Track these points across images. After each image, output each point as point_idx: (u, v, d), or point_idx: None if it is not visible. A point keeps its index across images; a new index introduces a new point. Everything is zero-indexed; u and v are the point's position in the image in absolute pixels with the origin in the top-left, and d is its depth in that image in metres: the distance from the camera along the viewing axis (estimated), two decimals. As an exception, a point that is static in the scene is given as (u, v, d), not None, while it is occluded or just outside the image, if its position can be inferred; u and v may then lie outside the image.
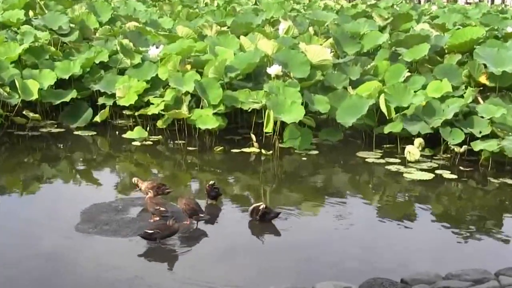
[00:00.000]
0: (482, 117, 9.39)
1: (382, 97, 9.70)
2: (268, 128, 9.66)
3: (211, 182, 7.32)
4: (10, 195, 7.83)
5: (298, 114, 9.53)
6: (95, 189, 8.13)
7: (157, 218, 6.59)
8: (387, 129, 9.68)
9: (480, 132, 9.20)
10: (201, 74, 10.53)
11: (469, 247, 6.49)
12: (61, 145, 10.17)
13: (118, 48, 11.42)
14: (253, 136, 9.79)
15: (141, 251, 5.95)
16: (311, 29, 13.81)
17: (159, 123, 10.38)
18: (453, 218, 7.40)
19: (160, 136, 10.31)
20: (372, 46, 12.29)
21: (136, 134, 10.08)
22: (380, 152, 9.72)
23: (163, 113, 10.22)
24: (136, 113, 10.66)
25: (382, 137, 9.96)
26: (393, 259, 6.06)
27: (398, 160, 9.30)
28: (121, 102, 10.64)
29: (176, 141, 10.14)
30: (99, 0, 14.77)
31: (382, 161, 9.33)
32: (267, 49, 10.77)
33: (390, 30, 13.35)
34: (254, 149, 9.66)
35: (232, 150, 9.71)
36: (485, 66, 10.25)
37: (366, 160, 9.41)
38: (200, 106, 10.24)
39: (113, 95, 10.82)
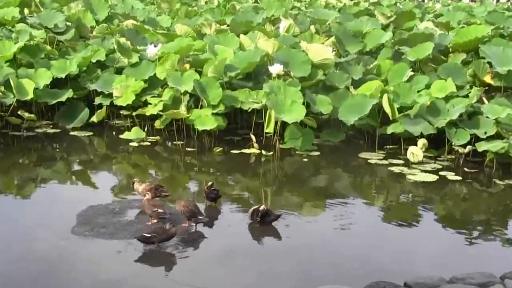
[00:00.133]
0: (487, 117, 9.39)
1: (385, 97, 9.71)
2: (269, 129, 9.66)
3: (209, 183, 7.32)
4: (4, 197, 7.81)
5: (299, 114, 9.53)
6: (91, 191, 8.13)
7: (155, 221, 6.59)
8: (390, 130, 9.68)
9: (485, 133, 9.20)
10: (200, 73, 10.53)
11: (474, 250, 6.49)
12: (57, 146, 10.17)
13: (115, 47, 11.42)
14: (253, 137, 9.80)
15: (138, 255, 5.95)
16: (312, 27, 13.82)
17: (157, 124, 10.38)
18: (457, 221, 7.40)
19: (158, 137, 10.31)
20: (374, 45, 12.29)
21: (134, 134, 10.08)
22: (383, 153, 9.72)
23: (161, 113, 10.22)
24: (134, 113, 10.66)
25: (385, 137, 9.96)
26: (396, 262, 6.06)
27: (401, 161, 9.30)
28: (118, 102, 10.64)
29: (174, 142, 10.14)
30: (96, -3, 14.77)
31: (385, 162, 9.33)
32: (268, 48, 10.78)
33: (393, 29, 13.37)
34: (254, 150, 9.66)
35: (231, 151, 9.71)
36: (490, 65, 10.26)
37: (369, 161, 9.41)
38: (199, 106, 10.24)
39: (110, 95, 10.82)
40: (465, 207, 7.99)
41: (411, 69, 10.74)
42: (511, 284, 5.22)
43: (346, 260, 6.04)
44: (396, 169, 8.98)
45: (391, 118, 9.70)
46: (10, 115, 10.62)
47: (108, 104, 10.84)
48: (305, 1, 21.37)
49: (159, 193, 7.08)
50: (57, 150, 10.04)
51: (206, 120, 9.95)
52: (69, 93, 10.87)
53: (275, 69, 10.17)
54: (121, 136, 10.18)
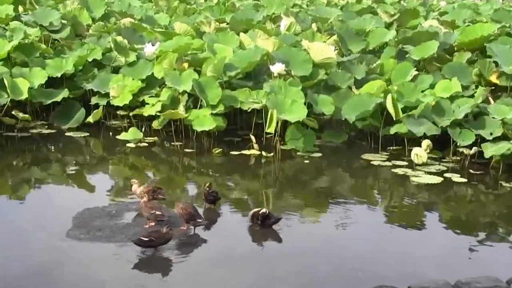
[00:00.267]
0: (494, 118, 9.40)
1: (389, 96, 9.71)
2: (270, 129, 9.66)
3: (208, 185, 7.32)
4: (-2, 199, 7.84)
5: (300, 114, 9.54)
6: (87, 193, 8.13)
7: (153, 223, 6.59)
8: (393, 130, 9.68)
9: (491, 134, 9.20)
10: (199, 72, 10.53)
11: (479, 253, 6.49)
12: (52, 147, 10.17)
13: (112, 46, 11.42)
14: (253, 138, 9.80)
15: (135, 258, 5.94)
16: (314, 25, 13.82)
17: (155, 124, 10.38)
18: (462, 224, 7.40)
19: (155, 138, 10.32)
20: (378, 44, 12.31)
21: (131, 135, 10.08)
22: (386, 155, 9.73)
23: (159, 113, 10.23)
24: (131, 114, 10.66)
25: (388, 138, 9.97)
26: (400, 266, 6.06)
27: (405, 163, 9.30)
28: (115, 102, 10.65)
29: (172, 143, 10.14)
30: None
31: (388, 163, 9.33)
32: (267, 47, 10.78)
33: (396, 27, 13.37)
34: (254, 151, 9.67)
35: (231, 152, 9.72)
36: (496, 64, 10.26)
37: (372, 162, 9.41)
38: (198, 106, 10.25)
39: (106, 95, 10.82)
40: (470, 210, 7.99)
41: (415, 68, 10.75)
42: (518, 288, 5.22)
43: (349, 264, 6.04)
44: (399, 171, 8.99)
45: (394, 119, 9.70)
46: (4, 115, 10.62)
47: (105, 104, 10.85)
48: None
49: (156, 195, 7.07)
50: (53, 151, 10.04)
51: (205, 120, 9.95)
52: (64, 93, 10.88)
53: (277, 68, 10.17)
54: (118, 137, 10.18)
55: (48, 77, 11.01)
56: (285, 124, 9.79)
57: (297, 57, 10.64)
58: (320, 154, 9.77)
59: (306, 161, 9.50)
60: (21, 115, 10.57)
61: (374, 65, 11.22)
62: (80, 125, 10.79)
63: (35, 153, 9.92)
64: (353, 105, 9.96)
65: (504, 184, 8.63)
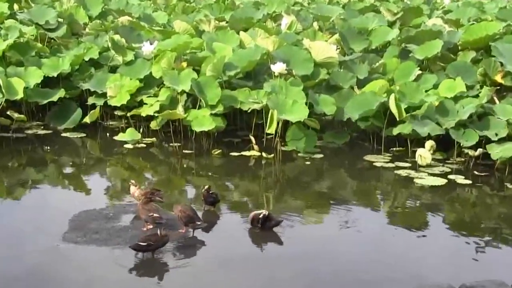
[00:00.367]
0: (499, 118, 9.40)
1: (392, 96, 9.71)
2: (271, 129, 9.66)
3: (207, 187, 7.32)
4: (-7, 201, 7.84)
5: (302, 114, 9.54)
6: (84, 195, 8.13)
7: (151, 226, 6.59)
8: (396, 131, 9.68)
9: (496, 135, 9.20)
10: (198, 72, 10.53)
11: (484, 257, 6.49)
12: (48, 148, 10.17)
13: (109, 44, 11.42)
14: (252, 139, 9.80)
15: (133, 262, 5.94)
16: (315, 24, 13.82)
17: (153, 125, 10.38)
18: (467, 226, 7.39)
19: (154, 138, 10.32)
20: (380, 43, 12.31)
21: (128, 136, 10.08)
22: (389, 156, 9.73)
23: (157, 114, 10.23)
24: (129, 114, 10.67)
25: (391, 139, 9.97)
26: (403, 270, 6.06)
27: (408, 164, 9.30)
28: (112, 102, 10.65)
29: (171, 144, 10.14)
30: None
31: (391, 165, 9.33)
32: (268, 46, 10.78)
33: (400, 26, 13.36)
34: (255, 153, 9.67)
35: (231, 154, 9.72)
36: (502, 63, 10.25)
37: (374, 164, 9.41)
38: (197, 107, 10.25)
39: (103, 95, 10.82)
40: (475, 213, 7.99)
41: (418, 67, 10.75)
42: (523, 292, 5.22)
43: (351, 268, 6.05)
44: (402, 173, 8.99)
45: (398, 119, 9.70)
46: (-1, 115, 10.65)
47: (102, 104, 10.85)
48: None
49: (154, 197, 7.07)
50: (48, 152, 10.04)
51: (204, 121, 9.95)
52: (61, 93, 10.87)
53: (278, 67, 10.17)
54: (115, 138, 10.18)
55: (44, 76, 11.01)
56: (286, 124, 9.79)
57: (298, 57, 10.65)
58: (321, 155, 9.77)
59: (307, 163, 9.50)
60: (16, 115, 10.57)
61: (377, 64, 11.22)
62: (76, 126, 10.79)
63: (31, 154, 9.92)
64: (356, 104, 9.98)
65: (509, 186, 8.62)
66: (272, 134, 9.78)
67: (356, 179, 9.22)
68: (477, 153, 9.19)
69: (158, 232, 6.08)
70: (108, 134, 10.73)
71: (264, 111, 9.89)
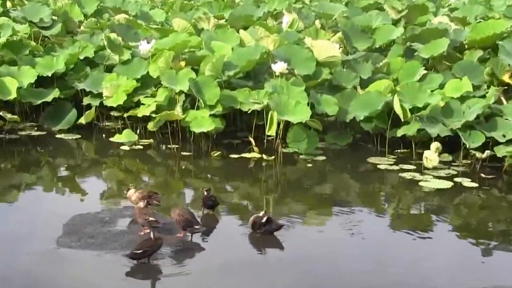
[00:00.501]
0: (507, 119, 9.40)
1: (396, 97, 9.72)
2: (271, 131, 9.67)
3: (206, 190, 7.32)
4: (-15, 205, 7.84)
5: (304, 115, 9.55)
6: (79, 199, 8.14)
7: (148, 230, 6.58)
8: (400, 132, 9.69)
9: (504, 136, 9.20)
10: (196, 71, 10.54)
11: (491, 262, 6.49)
12: (42, 149, 10.18)
13: (105, 43, 11.43)
14: (252, 140, 9.80)
15: (129, 268, 5.94)
16: (317, 22, 13.83)
17: (150, 126, 10.38)
18: (474, 231, 7.40)
19: (151, 140, 10.32)
20: (384, 41, 12.31)
21: (125, 137, 10.08)
22: (393, 158, 9.73)
23: (154, 114, 10.22)
24: (125, 115, 10.66)
25: (395, 141, 9.97)
26: (408, 275, 6.06)
27: (413, 167, 9.30)
28: (108, 103, 10.65)
29: (169, 146, 10.14)
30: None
31: (395, 167, 9.34)
32: (269, 44, 10.78)
33: (404, 24, 13.36)
34: (255, 154, 9.67)
35: (230, 156, 9.72)
36: (510, 64, 10.24)
37: (378, 166, 9.41)
38: (196, 107, 10.25)
39: (99, 95, 10.83)
40: (482, 216, 7.98)
41: (423, 67, 10.75)
42: (532, 299, 5.22)
43: (354, 273, 6.05)
44: (407, 175, 8.99)
45: (402, 120, 9.71)
46: (-8, 116, 10.65)
47: (98, 104, 10.86)
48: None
49: (151, 201, 7.08)
50: (42, 154, 10.04)
51: (203, 122, 9.95)
52: (55, 93, 10.88)
53: (279, 67, 10.17)
54: (112, 139, 10.19)
55: (38, 76, 11.01)
56: (287, 125, 9.79)
57: (300, 56, 10.65)
58: (323, 158, 9.78)
59: (309, 165, 9.50)
60: (9, 116, 10.57)
61: (381, 64, 11.22)
62: (71, 127, 10.80)
63: (24, 156, 9.92)
64: (360, 104, 9.99)
65: (517, 189, 8.65)
66: (273, 136, 9.78)
67: (359, 182, 9.22)
68: (484, 155, 9.18)
69: (152, 236, 6.06)
70: (104, 135, 10.73)
71: (265, 111, 9.89)
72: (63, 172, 9.28)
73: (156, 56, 10.80)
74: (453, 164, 9.47)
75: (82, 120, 10.72)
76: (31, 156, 9.98)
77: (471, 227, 7.60)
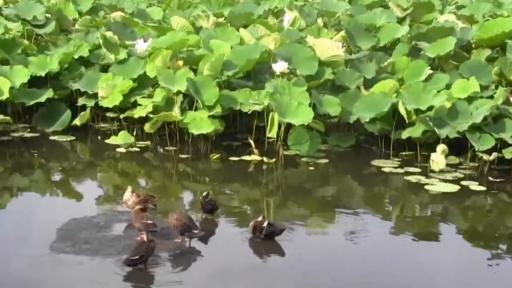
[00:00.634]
0: (515, 120, 9.42)
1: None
2: (272, 133, 9.67)
3: (205, 194, 7.33)
4: (-23, 209, 7.84)
5: (306, 117, 9.55)
6: (73, 202, 8.13)
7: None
8: (405, 134, 9.69)
9: (513, 138, 9.22)
10: (195, 71, 10.55)
11: (499, 269, 6.48)
12: (35, 152, 10.17)
13: (101, 42, 11.44)
14: (252, 142, 9.80)
15: (125, 275, 5.93)
16: (320, 20, 13.83)
17: (147, 127, 10.39)
18: (481, 236, 7.40)
19: (148, 142, 10.32)
20: (389, 40, 12.32)
21: (121, 139, 10.09)
22: (398, 160, 9.73)
23: (151, 115, 10.23)
24: (121, 116, 10.68)
25: (400, 143, 9.98)
26: (413, 282, 6.06)
27: (418, 170, 9.31)
28: (104, 103, 10.66)
29: (166, 148, 10.15)
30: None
31: (400, 170, 9.34)
32: (269, 43, 10.79)
33: (410, 22, 13.37)
34: (255, 157, 9.68)
35: (230, 158, 9.73)
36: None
37: (383, 169, 9.42)
38: (194, 108, 10.26)
39: (94, 95, 10.83)
40: (489, 221, 7.98)
41: (429, 67, 10.75)
42: (541, 306, 5.22)
43: (358, 279, 6.04)
44: (412, 178, 8.99)
45: (407, 121, 9.71)
46: (-17, 117, 10.66)
47: (93, 105, 10.87)
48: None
49: (147, 204, 7.08)
50: (36, 156, 10.04)
51: (201, 123, 9.96)
52: (49, 93, 10.89)
53: (279, 66, 10.18)
54: (107, 141, 10.20)
55: (31, 75, 11.02)
56: (288, 127, 9.79)
57: (302, 55, 10.66)
58: (326, 160, 9.78)
59: (311, 168, 9.51)
60: (1, 117, 10.59)
61: (385, 63, 11.22)
62: (65, 128, 10.81)
63: (17, 158, 9.92)
64: (365, 105, 9.99)
65: (526, 192, 8.66)
66: (274, 138, 9.78)
67: (363, 186, 9.22)
68: (491, 157, 9.19)
69: (145, 238, 6.05)
70: (99, 137, 10.74)
71: (265, 113, 9.90)
72: (57, 175, 9.28)
73: (153, 55, 10.81)
74: (460, 167, 9.48)
75: (77, 122, 10.72)
76: (24, 158, 9.98)
77: (478, 232, 7.60)
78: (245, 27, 12.28)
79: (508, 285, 5.93)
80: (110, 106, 10.60)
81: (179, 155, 9.88)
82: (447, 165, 9.37)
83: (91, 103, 10.86)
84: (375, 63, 11.11)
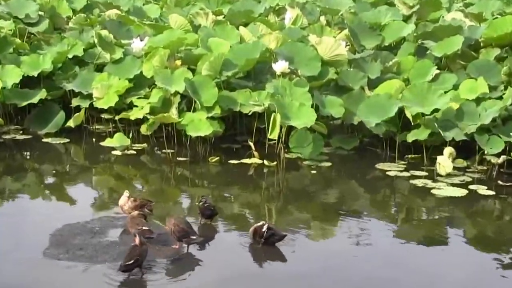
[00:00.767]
0: (525, 122, 9.42)
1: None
2: (273, 135, 9.67)
3: (203, 198, 7.33)
4: (-33, 214, 7.84)
5: (308, 119, 9.55)
6: (67, 207, 8.14)
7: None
8: (411, 137, 9.69)
9: (522, 140, 9.22)
10: (193, 71, 10.55)
11: (509, 275, 6.49)
12: (28, 154, 10.19)
13: (96, 41, 11.44)
14: (251, 145, 9.80)
15: (121, 282, 5.93)
16: (322, 18, 13.84)
17: (144, 129, 10.39)
18: (490, 242, 7.40)
19: (144, 144, 10.33)
20: (394, 39, 12.32)
21: (117, 141, 10.09)
22: (404, 164, 9.73)
23: (148, 117, 10.24)
24: (117, 117, 10.68)
25: (405, 145, 9.97)
26: (419, 290, 6.08)
27: (425, 173, 9.31)
28: (98, 104, 10.66)
29: (163, 150, 10.15)
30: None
31: (406, 174, 9.34)
32: (270, 42, 10.79)
33: (416, 20, 13.37)
34: (255, 160, 9.68)
35: (229, 161, 9.73)
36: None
37: (387, 173, 9.42)
38: (192, 109, 10.26)
39: (89, 96, 10.84)
40: (498, 226, 7.99)
41: (436, 66, 10.75)
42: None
43: (362, 286, 6.04)
44: (418, 182, 8.99)
45: (413, 123, 9.72)
46: (-26, 119, 10.67)
47: (87, 106, 10.87)
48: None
49: (146, 209, 7.08)
50: (28, 159, 10.05)
51: (200, 125, 9.97)
52: (41, 94, 10.89)
53: (280, 66, 10.18)
54: (102, 144, 10.20)
55: (23, 75, 11.03)
56: (290, 129, 9.79)
57: (304, 54, 10.66)
58: (329, 164, 9.78)
59: (314, 171, 9.51)
60: (-8, 118, 10.60)
61: (390, 63, 11.22)
62: (59, 130, 10.81)
63: (8, 161, 9.93)
64: (369, 107, 9.97)
65: (537, 197, 8.66)
66: (275, 140, 9.79)
67: (367, 190, 9.22)
68: (500, 160, 9.19)
69: (137, 241, 6.04)
70: (94, 139, 10.75)
71: (266, 114, 9.90)
72: (50, 178, 9.29)
73: (150, 55, 10.81)
74: (468, 170, 9.48)
75: (71, 123, 10.73)
76: (16, 161, 10.00)
77: (487, 237, 7.61)
78: (245, 25, 12.28)
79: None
80: (105, 107, 10.60)
81: (177, 158, 9.89)
82: (455, 168, 9.37)
83: (85, 104, 10.87)
84: (380, 63, 11.11)
